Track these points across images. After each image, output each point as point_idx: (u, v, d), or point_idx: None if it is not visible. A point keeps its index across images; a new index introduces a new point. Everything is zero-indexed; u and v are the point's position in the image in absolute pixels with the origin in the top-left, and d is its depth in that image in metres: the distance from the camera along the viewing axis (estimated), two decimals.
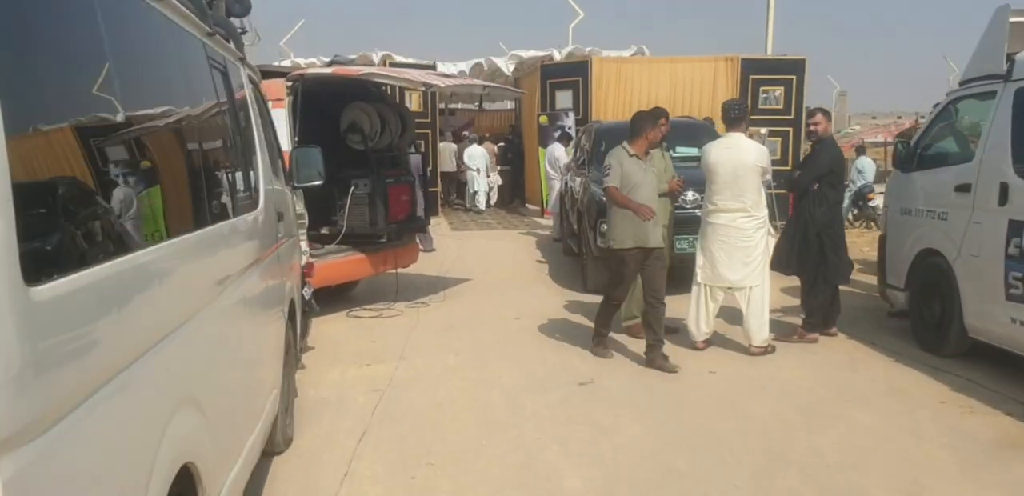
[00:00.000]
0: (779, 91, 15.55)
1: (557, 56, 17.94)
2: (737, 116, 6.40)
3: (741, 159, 6.19)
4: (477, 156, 17.98)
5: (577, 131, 14.78)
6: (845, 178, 11.49)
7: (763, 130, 14.95)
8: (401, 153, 8.57)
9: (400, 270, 8.67)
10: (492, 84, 7.61)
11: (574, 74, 15.82)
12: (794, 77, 15.49)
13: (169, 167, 2.49)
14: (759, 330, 6.30)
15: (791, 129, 15.50)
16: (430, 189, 16.11)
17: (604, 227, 8.58)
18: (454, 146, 19.13)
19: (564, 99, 16.02)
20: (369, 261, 7.97)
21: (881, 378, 5.68)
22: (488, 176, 18.47)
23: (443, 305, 8.29)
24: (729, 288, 6.35)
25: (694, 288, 6.48)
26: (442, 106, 23.60)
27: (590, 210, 8.78)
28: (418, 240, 10.26)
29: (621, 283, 6.13)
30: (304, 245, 7.27)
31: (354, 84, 8.17)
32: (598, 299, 8.52)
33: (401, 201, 8.12)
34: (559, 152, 12.93)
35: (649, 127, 6.18)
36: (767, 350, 6.30)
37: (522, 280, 9.74)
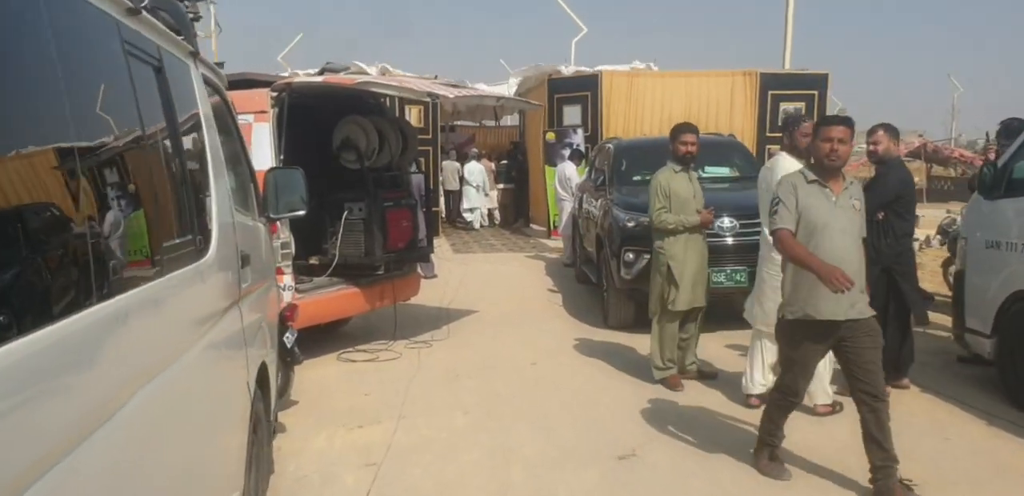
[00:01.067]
0: (800, 107, 14.60)
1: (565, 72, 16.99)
2: (780, 129, 5.47)
3: (768, 182, 5.13)
4: (476, 172, 17.58)
5: (588, 149, 13.83)
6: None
7: None
8: (402, 173, 7.57)
9: (399, 303, 7.64)
10: (506, 96, 6.60)
11: (583, 88, 14.88)
12: (816, 93, 14.58)
13: (54, 211, 1.48)
14: (822, 385, 5.27)
15: None
16: (432, 209, 15.19)
17: (629, 256, 7.59)
18: (458, 164, 18.30)
19: (572, 115, 15.06)
20: (364, 295, 6.94)
21: (982, 449, 4.64)
22: (486, 194, 17.75)
23: (447, 345, 7.25)
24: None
25: (753, 331, 5.49)
26: (443, 123, 22.72)
27: (612, 237, 7.78)
28: (419, 267, 9.26)
29: (796, 368, 4.10)
30: (288, 279, 6.27)
31: (349, 96, 7.18)
32: (621, 337, 7.53)
33: (401, 227, 7.10)
34: (570, 171, 11.94)
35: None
36: (834, 409, 5.27)
37: (534, 313, 8.70)
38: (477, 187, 17.63)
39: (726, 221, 7.38)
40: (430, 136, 15.16)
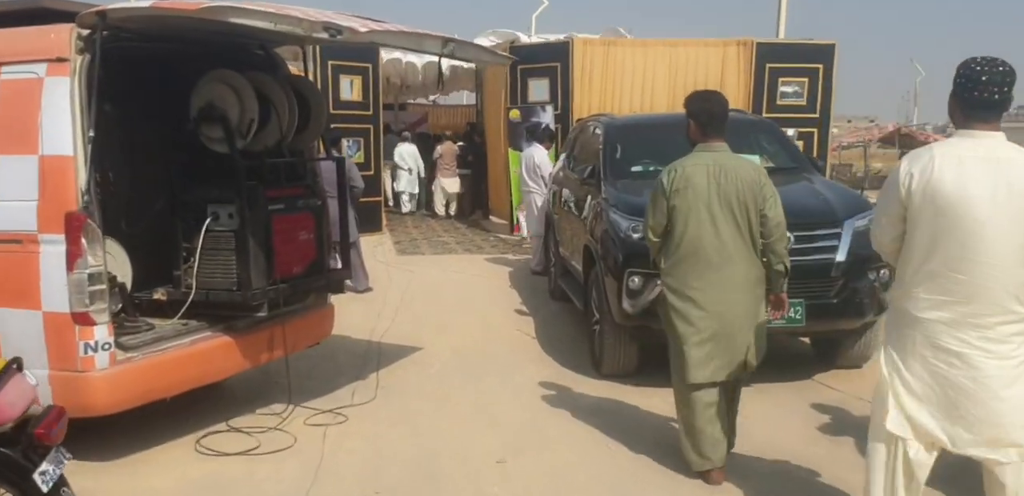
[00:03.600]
0: (802, 83, 12.31)
1: (525, 39, 14.47)
2: (992, 100, 2.69)
3: (1013, 187, 2.62)
4: (408, 155, 15.69)
5: (558, 129, 11.39)
6: None
7: (789, 131, 11.70)
8: (305, 159, 5.03)
9: (297, 352, 5.14)
10: (460, 39, 4.10)
11: (551, 59, 12.34)
12: (821, 66, 12.25)
13: None
14: None
15: (816, 130, 12.28)
16: (375, 199, 12.65)
17: (635, 281, 5.16)
18: (414, 147, 15.91)
19: (539, 90, 12.52)
20: (239, 348, 4.42)
21: None
22: (420, 176, 16.09)
23: (370, 416, 4.78)
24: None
25: (875, 446, 3.08)
26: (390, 100, 20.05)
27: (609, 252, 5.37)
28: (348, 281, 6.81)
29: None
30: (101, 332, 3.76)
31: (223, 42, 4.63)
32: (624, 395, 4.99)
33: (297, 242, 4.58)
34: (540, 156, 9.47)
35: None
36: None
37: (498, 350, 6.25)
38: (409, 170, 15.77)
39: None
40: (371, 112, 12.55)
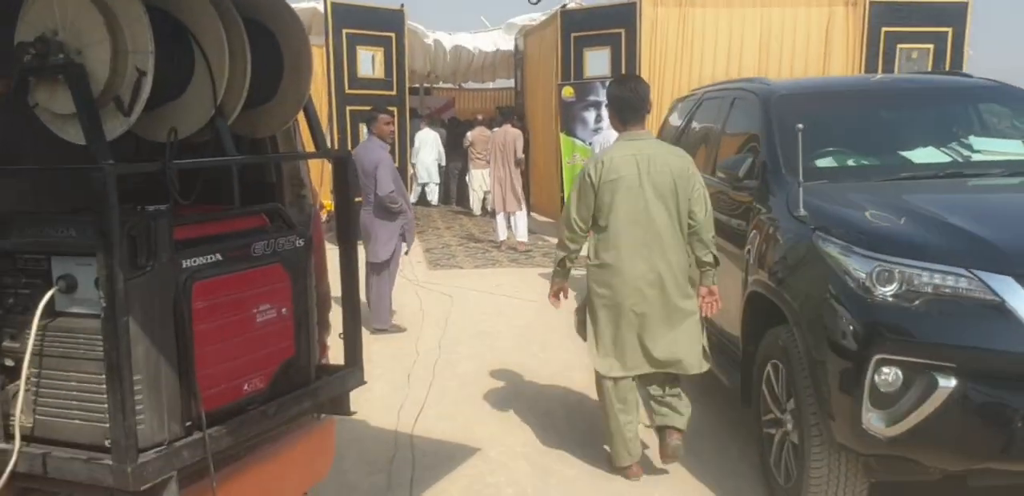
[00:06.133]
0: (926, 51, 9.79)
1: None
2: None
3: None
4: (430, 142, 13.58)
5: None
6: None
7: None
8: (271, 156, 2.60)
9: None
10: None
11: (613, 24, 9.89)
12: (950, 30, 9.74)
13: None
14: None
15: None
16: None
17: (887, 375, 2.69)
18: (435, 134, 13.77)
19: (598, 62, 10.09)
20: None
21: None
22: (440, 166, 14.04)
23: None
24: None
25: None
26: (415, 85, 17.67)
27: (825, 314, 2.91)
28: (370, 313, 4.56)
29: None
30: None
31: None
32: None
33: (250, 329, 2.16)
34: None
35: None
36: None
37: (603, 461, 3.86)
38: (435, 169, 13.98)
39: None
40: (395, 92, 10.17)
